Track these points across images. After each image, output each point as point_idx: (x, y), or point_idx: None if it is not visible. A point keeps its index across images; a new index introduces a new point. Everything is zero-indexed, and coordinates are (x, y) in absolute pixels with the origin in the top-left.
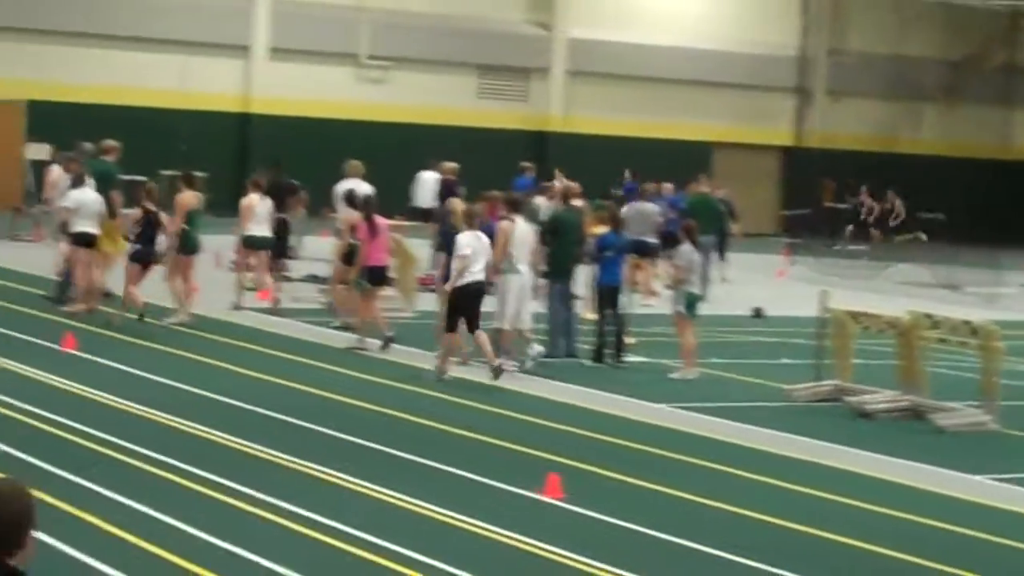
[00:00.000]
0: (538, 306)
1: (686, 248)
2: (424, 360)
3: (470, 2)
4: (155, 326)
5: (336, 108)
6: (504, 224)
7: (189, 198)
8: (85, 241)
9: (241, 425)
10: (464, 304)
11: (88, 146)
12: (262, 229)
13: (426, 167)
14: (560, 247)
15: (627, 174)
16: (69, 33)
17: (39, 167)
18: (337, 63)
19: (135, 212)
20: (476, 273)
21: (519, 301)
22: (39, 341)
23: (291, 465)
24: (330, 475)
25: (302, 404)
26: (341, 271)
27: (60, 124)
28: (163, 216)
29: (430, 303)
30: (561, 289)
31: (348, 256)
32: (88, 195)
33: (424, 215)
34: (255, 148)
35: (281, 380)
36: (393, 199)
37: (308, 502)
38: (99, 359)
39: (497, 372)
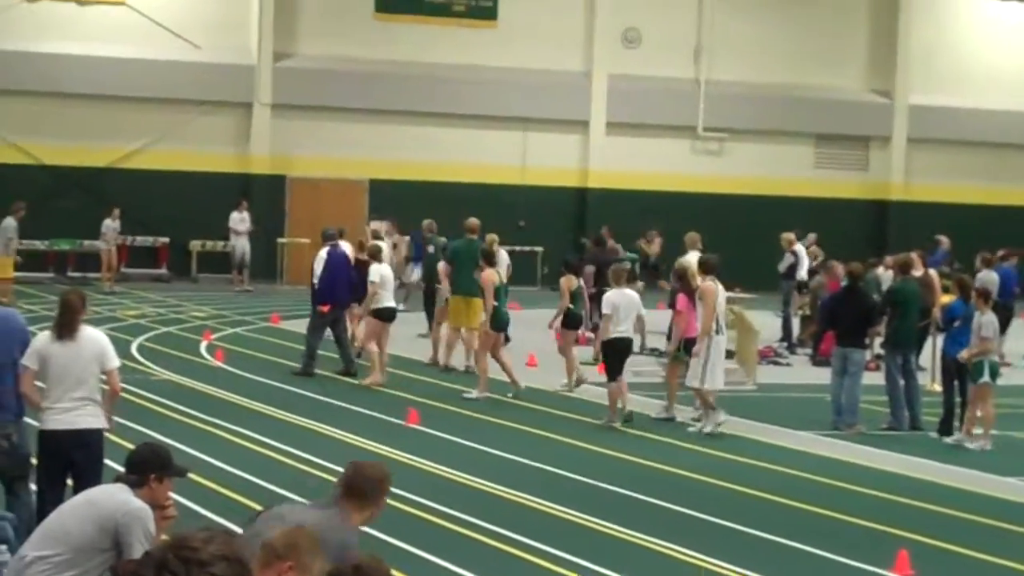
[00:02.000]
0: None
1: (990, 318)
2: (760, 432)
3: (807, 71)
4: (494, 400)
5: (672, 180)
6: (708, 286)
7: (492, 275)
8: (388, 316)
9: (585, 499)
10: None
11: (427, 223)
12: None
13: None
14: (901, 319)
15: (943, 241)
16: (408, 113)
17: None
18: (674, 135)
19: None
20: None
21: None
22: (384, 416)
23: (631, 539)
24: (648, 541)
25: (638, 476)
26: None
27: (400, 201)
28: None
29: (771, 375)
30: (902, 361)
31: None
32: (387, 270)
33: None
34: (592, 222)
35: (616, 452)
36: (731, 270)
37: (620, 566)
38: (440, 433)
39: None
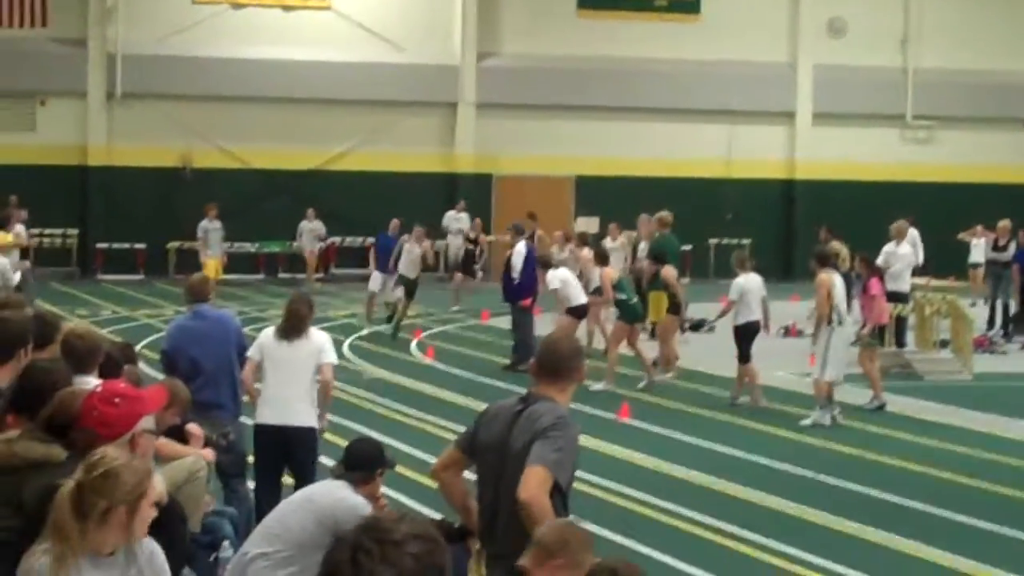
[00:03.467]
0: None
1: None
2: (978, 422)
3: (1016, 56)
4: (685, 391)
5: (881, 170)
6: (823, 277)
7: (609, 272)
8: (580, 314)
9: (791, 488)
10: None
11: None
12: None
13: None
14: None
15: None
16: (612, 108)
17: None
18: (881, 124)
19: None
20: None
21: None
22: (598, 412)
23: (836, 526)
24: (877, 535)
25: (838, 464)
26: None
27: (606, 197)
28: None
29: (987, 364)
30: None
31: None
32: (565, 273)
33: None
34: (799, 214)
35: (818, 440)
36: (941, 259)
37: (861, 563)
38: (649, 426)
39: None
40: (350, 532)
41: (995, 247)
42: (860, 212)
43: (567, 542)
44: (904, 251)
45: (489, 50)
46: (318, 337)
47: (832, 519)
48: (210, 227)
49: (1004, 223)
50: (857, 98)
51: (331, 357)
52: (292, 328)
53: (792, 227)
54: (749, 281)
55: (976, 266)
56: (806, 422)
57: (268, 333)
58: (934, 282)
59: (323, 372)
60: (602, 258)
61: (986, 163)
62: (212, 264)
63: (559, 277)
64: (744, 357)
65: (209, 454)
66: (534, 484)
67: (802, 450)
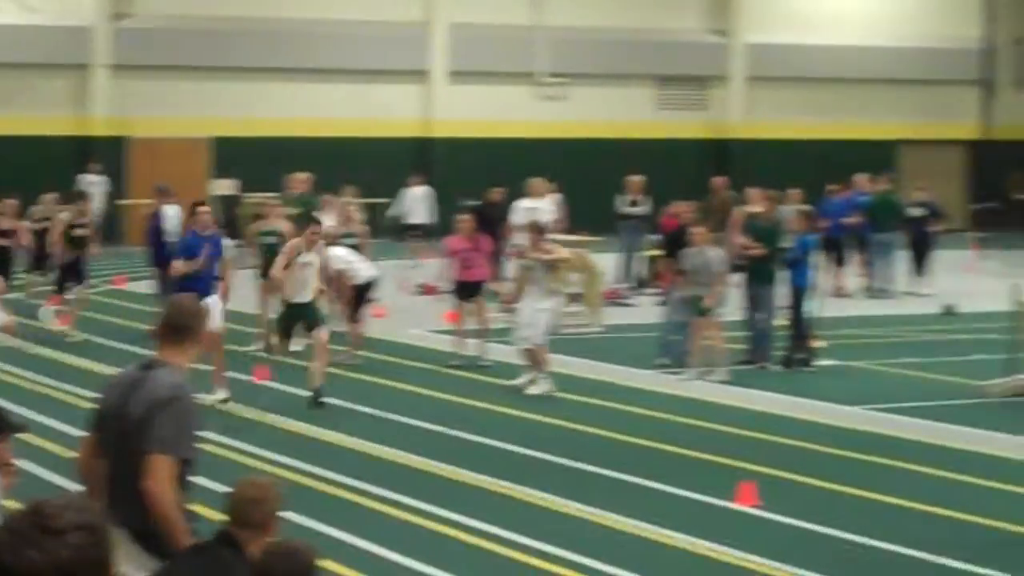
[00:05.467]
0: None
1: (691, 251)
2: (615, 375)
3: (646, 14)
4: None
5: (516, 127)
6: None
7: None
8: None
9: (437, 449)
10: None
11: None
12: None
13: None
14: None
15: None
16: (248, 69)
17: (225, 203)
18: (515, 82)
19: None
20: None
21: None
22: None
23: (482, 484)
24: (521, 492)
25: (491, 424)
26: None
27: (246, 159)
28: None
29: (618, 317)
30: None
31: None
32: None
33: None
34: (437, 172)
35: (468, 400)
36: (576, 215)
37: (498, 518)
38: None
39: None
40: (12, 515)
41: (630, 203)
42: (498, 170)
43: (264, 500)
44: (542, 207)
45: (124, 11)
46: None
47: (483, 478)
48: None
49: (636, 179)
50: (491, 56)
51: None
52: None
53: (429, 186)
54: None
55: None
56: (534, 390)
57: None
58: (566, 237)
59: None
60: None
61: (619, 120)
62: None
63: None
64: (355, 316)
65: None
66: (159, 475)
67: (446, 409)
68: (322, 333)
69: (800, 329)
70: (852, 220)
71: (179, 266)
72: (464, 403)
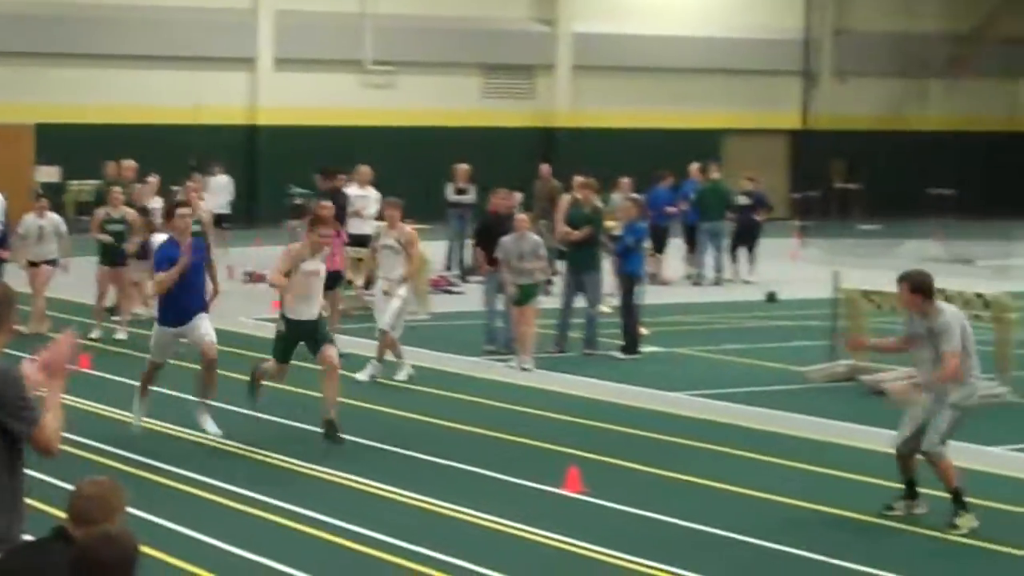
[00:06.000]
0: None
1: (510, 238)
2: (443, 362)
3: (472, 3)
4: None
5: (342, 115)
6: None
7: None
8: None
9: (252, 434)
10: None
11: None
12: None
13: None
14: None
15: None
16: (74, 55)
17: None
18: (342, 70)
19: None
20: None
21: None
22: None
23: (308, 471)
24: (349, 479)
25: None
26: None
27: (68, 146)
28: None
29: (445, 304)
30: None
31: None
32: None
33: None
34: (264, 160)
35: (292, 388)
36: (407, 203)
37: (328, 506)
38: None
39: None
40: None
41: (457, 191)
42: (325, 158)
43: (103, 497)
44: (370, 195)
45: None
46: None
47: (307, 465)
48: None
49: (463, 167)
50: (318, 44)
51: None
52: None
53: (256, 174)
54: None
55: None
56: (362, 376)
57: None
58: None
59: None
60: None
61: (446, 108)
62: None
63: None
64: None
65: None
66: None
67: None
68: (330, 351)
69: (629, 316)
70: (677, 208)
71: (161, 279)
72: (286, 390)
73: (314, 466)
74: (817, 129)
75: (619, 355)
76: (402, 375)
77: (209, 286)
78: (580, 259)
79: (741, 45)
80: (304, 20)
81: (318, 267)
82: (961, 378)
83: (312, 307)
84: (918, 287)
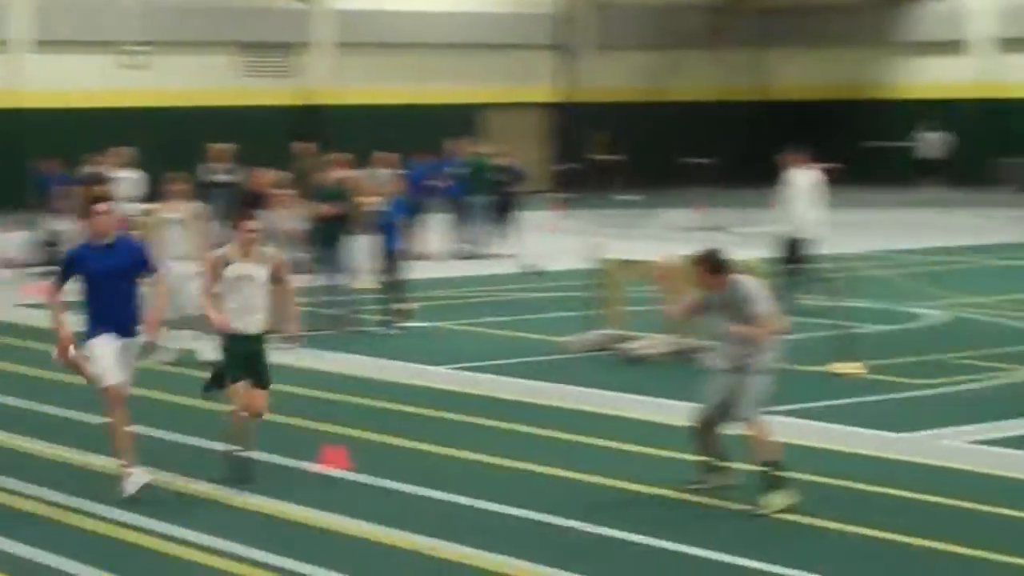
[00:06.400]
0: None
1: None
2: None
3: None
4: None
5: (102, 97)
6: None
7: None
8: None
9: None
10: None
11: None
12: None
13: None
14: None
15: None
16: None
17: None
18: (99, 51)
19: None
20: None
21: None
22: None
23: (79, 460)
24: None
25: (84, 398)
26: None
27: None
28: None
29: None
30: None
31: None
32: None
33: None
34: (28, 143)
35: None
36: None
37: (94, 493)
38: None
39: None
40: None
41: (224, 171)
42: (86, 140)
43: None
44: (128, 176)
45: None
46: None
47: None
48: None
49: (222, 147)
50: (75, 24)
51: None
52: None
53: (22, 157)
54: None
55: None
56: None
57: None
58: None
59: None
60: None
61: (203, 87)
62: None
63: None
64: None
65: None
66: None
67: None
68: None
69: (393, 292)
70: (438, 183)
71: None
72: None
73: (85, 453)
74: (579, 102)
75: (382, 330)
76: (169, 356)
77: None
78: (324, 234)
79: (499, 20)
80: (60, 1)
81: (250, 271)
82: (769, 341)
83: (253, 318)
84: (718, 267)
